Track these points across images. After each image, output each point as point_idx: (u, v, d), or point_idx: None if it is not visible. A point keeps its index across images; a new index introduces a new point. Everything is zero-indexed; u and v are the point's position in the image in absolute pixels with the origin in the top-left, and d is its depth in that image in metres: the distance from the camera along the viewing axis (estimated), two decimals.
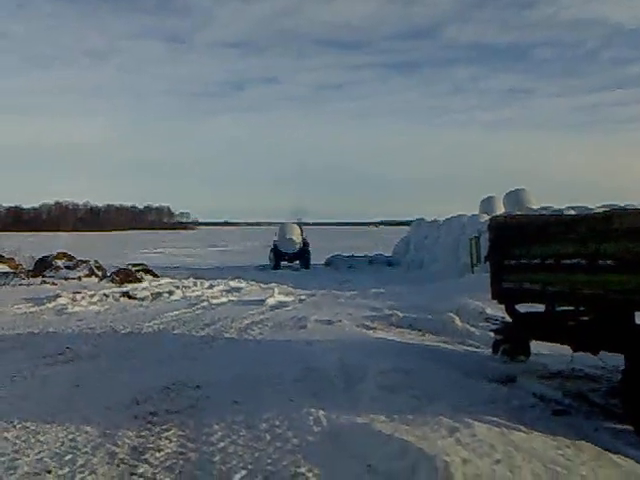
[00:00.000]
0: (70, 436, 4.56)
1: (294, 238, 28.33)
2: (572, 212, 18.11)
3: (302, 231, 29.22)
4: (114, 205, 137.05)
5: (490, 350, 7.59)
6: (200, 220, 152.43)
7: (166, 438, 4.49)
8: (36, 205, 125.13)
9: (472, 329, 9.33)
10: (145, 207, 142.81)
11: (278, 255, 27.93)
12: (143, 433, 4.60)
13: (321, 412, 4.83)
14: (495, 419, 4.78)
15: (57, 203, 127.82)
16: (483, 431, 4.36)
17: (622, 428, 4.96)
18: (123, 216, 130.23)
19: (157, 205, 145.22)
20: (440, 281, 17.07)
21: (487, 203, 26.23)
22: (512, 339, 7.25)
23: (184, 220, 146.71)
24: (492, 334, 7.87)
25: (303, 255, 28.05)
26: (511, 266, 6.50)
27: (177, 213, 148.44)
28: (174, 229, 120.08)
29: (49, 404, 5.36)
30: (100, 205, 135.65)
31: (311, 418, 4.70)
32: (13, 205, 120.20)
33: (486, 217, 23.29)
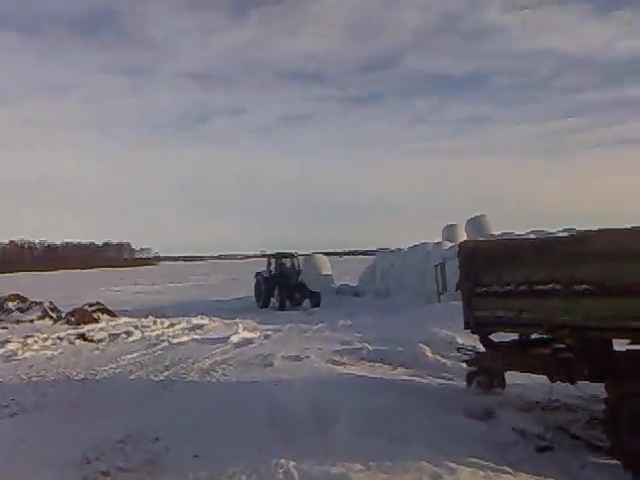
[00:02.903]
0: None
1: (330, 274, 24.46)
2: (533, 237, 18.29)
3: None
4: (72, 242, 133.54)
5: (464, 382, 7.32)
6: (162, 255, 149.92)
7: None
8: None
9: (443, 360, 9.07)
10: (104, 244, 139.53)
11: (288, 291, 23.34)
12: None
13: (292, 463, 4.43)
14: (478, 460, 4.48)
15: (11, 242, 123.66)
16: (467, 476, 4.07)
17: (608, 463, 4.73)
18: (81, 253, 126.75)
19: (117, 241, 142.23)
20: (408, 310, 16.85)
21: (449, 230, 26.47)
22: (487, 370, 7.01)
23: (145, 256, 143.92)
24: (465, 365, 7.62)
25: (317, 293, 23.81)
26: (483, 293, 6.28)
27: (138, 249, 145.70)
28: (135, 265, 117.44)
29: None
30: (57, 243, 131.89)
31: (281, 471, 4.29)
32: None
33: (449, 244, 23.44)
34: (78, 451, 5.12)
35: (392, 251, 28.04)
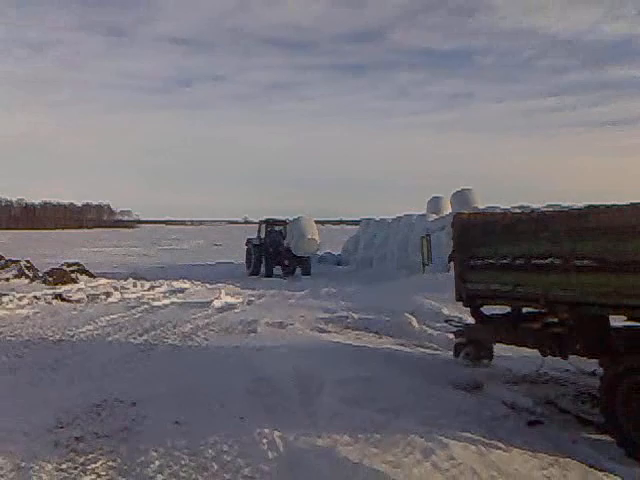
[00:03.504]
0: None
1: (315, 238, 22.19)
2: (518, 211, 18.14)
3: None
4: (51, 203, 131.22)
5: (450, 353, 7.21)
6: (142, 218, 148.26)
7: (92, 471, 3.78)
8: None
9: (430, 330, 8.95)
10: (84, 205, 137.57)
11: (275, 258, 22.50)
12: (64, 466, 3.86)
13: (276, 433, 4.23)
14: (469, 435, 4.34)
15: None
16: (460, 451, 3.90)
17: (600, 438, 4.63)
18: (60, 214, 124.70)
19: (97, 203, 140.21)
20: (391, 280, 16.75)
21: (434, 203, 26.25)
22: (475, 342, 6.89)
23: (125, 218, 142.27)
24: (451, 336, 7.51)
25: (307, 260, 22.74)
26: (477, 266, 6.08)
27: (118, 211, 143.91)
28: (115, 227, 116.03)
29: None
30: (36, 203, 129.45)
31: (265, 441, 4.09)
32: None
33: (434, 216, 23.32)
34: (51, 415, 4.86)
35: (376, 221, 27.88)
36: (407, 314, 9.61)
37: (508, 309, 6.56)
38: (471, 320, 6.98)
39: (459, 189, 26.25)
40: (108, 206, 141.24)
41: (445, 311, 9.88)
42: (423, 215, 24.32)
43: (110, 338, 8.62)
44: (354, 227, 32.91)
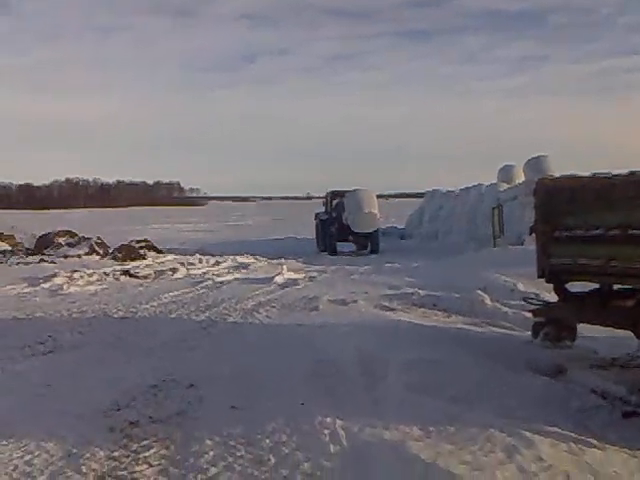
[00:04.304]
0: (27, 457, 3.63)
1: (374, 212, 20.44)
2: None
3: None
4: (124, 181, 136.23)
5: (526, 332, 6.62)
6: (210, 195, 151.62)
7: (144, 461, 3.55)
8: (47, 182, 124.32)
9: (504, 309, 8.32)
10: (155, 183, 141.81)
11: (339, 235, 21.00)
12: (116, 453, 3.66)
13: (338, 422, 3.88)
14: (556, 429, 3.82)
15: (68, 180, 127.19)
16: (548, 450, 3.40)
17: None
18: (133, 192, 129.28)
19: (167, 181, 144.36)
20: (459, 254, 16.02)
21: (505, 172, 25.01)
22: (557, 321, 6.26)
23: (194, 195, 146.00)
24: (529, 315, 6.89)
25: (373, 236, 21.10)
26: (563, 238, 5.44)
27: (187, 189, 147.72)
28: (184, 205, 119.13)
29: (12, 410, 4.46)
30: (110, 182, 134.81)
31: (327, 432, 3.74)
32: (24, 183, 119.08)
33: (505, 186, 22.17)
34: (108, 396, 4.72)
35: (442, 193, 26.96)
36: (479, 291, 9.00)
37: (593, 285, 5.91)
38: (552, 297, 6.36)
39: (534, 156, 24.85)
40: (178, 184, 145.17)
41: (521, 287, 9.19)
42: (494, 185, 23.24)
43: (173, 315, 8.57)
44: (418, 200, 32.02)
